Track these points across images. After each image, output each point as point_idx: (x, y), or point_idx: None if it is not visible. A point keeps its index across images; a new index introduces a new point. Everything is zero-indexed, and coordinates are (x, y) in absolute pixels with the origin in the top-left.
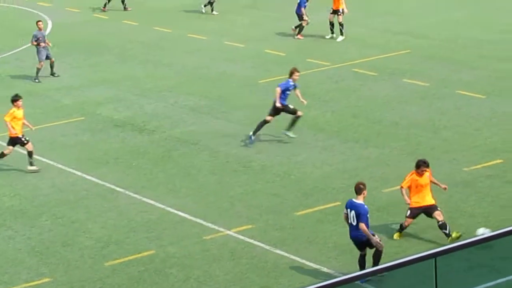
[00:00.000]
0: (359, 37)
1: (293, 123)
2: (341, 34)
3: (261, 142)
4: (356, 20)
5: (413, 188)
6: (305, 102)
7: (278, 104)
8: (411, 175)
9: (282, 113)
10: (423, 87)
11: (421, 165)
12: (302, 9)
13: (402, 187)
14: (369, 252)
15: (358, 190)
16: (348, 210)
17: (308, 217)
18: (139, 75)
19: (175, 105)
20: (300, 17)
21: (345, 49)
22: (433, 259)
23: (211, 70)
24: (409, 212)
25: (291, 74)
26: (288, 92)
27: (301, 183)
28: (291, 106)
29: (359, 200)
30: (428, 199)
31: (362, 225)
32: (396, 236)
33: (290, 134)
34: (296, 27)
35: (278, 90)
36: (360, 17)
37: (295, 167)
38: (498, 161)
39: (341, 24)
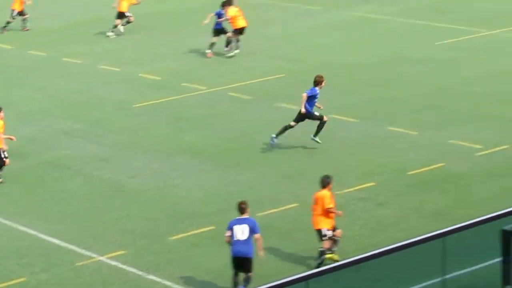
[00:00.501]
0: (233, 60)
1: (319, 129)
2: (235, 49)
3: (136, 166)
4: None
5: (323, 208)
6: (321, 107)
7: (303, 110)
8: (331, 194)
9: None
10: (297, 111)
11: (330, 182)
12: (222, 19)
13: (332, 207)
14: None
15: (242, 209)
16: (235, 227)
17: (183, 242)
18: (14, 99)
19: (49, 129)
20: (220, 32)
21: (221, 73)
22: (305, 282)
23: (86, 94)
24: (330, 232)
25: (320, 82)
26: (315, 100)
27: (176, 207)
28: (316, 113)
29: (246, 216)
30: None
31: (259, 236)
32: (335, 257)
33: (317, 139)
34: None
35: (304, 96)
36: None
37: (171, 191)
38: (371, 184)
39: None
